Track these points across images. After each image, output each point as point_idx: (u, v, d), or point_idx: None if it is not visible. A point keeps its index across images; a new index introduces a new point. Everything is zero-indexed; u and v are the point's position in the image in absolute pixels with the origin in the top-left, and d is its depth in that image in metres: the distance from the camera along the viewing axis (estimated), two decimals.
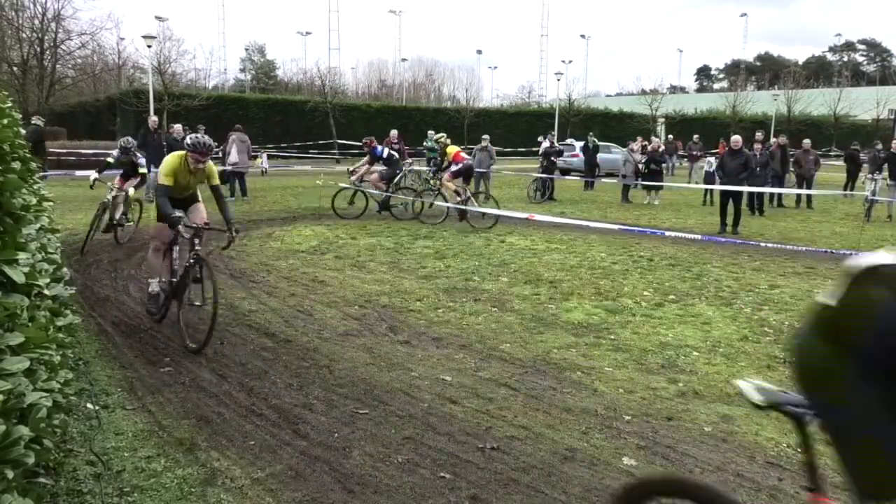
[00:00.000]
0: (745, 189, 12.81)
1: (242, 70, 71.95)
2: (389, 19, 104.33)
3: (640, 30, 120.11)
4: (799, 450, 1.84)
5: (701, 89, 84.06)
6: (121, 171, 9.75)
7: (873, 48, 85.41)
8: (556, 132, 29.99)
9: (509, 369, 4.92)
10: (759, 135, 16.53)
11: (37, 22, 33.58)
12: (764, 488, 3.33)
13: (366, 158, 13.81)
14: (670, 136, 30.24)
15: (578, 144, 25.53)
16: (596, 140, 21.29)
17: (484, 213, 12.26)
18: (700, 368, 5.00)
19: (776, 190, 15.87)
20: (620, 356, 5.25)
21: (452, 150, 13.36)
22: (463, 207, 12.42)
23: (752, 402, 1.79)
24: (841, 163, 22.44)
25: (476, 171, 17.62)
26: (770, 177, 16.10)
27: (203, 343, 5.14)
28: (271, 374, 4.74)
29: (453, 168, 12.85)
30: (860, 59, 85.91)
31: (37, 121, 16.93)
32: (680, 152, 29.72)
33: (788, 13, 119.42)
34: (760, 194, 15.38)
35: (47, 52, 33.97)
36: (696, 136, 25.15)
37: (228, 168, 15.79)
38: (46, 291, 2.70)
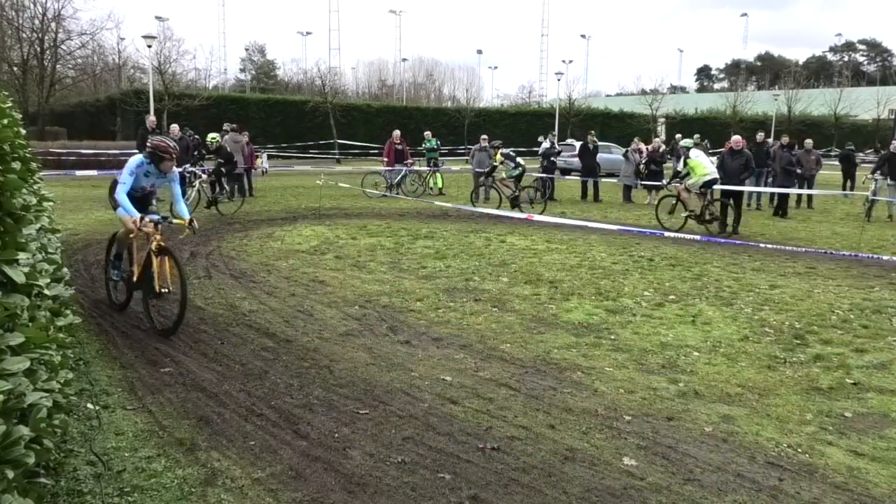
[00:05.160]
0: (745, 189, 12.79)
1: (243, 70, 72.18)
2: (389, 19, 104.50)
3: (640, 30, 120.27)
4: None
5: (701, 89, 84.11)
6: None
7: (874, 48, 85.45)
8: (556, 132, 29.66)
9: (509, 369, 4.92)
10: (760, 135, 16.49)
11: (37, 22, 33.64)
12: (764, 488, 3.33)
13: None
14: (678, 136, 26.93)
15: (579, 144, 22.47)
16: (597, 140, 19.13)
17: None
18: (700, 368, 5.00)
19: (776, 190, 15.86)
20: (621, 356, 5.24)
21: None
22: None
23: None
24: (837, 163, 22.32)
25: (476, 172, 17.66)
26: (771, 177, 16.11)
27: None
28: (271, 374, 4.74)
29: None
30: (860, 59, 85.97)
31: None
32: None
33: (783, 14, 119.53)
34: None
35: (47, 52, 34.01)
36: (696, 136, 20.85)
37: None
38: (47, 291, 2.70)
